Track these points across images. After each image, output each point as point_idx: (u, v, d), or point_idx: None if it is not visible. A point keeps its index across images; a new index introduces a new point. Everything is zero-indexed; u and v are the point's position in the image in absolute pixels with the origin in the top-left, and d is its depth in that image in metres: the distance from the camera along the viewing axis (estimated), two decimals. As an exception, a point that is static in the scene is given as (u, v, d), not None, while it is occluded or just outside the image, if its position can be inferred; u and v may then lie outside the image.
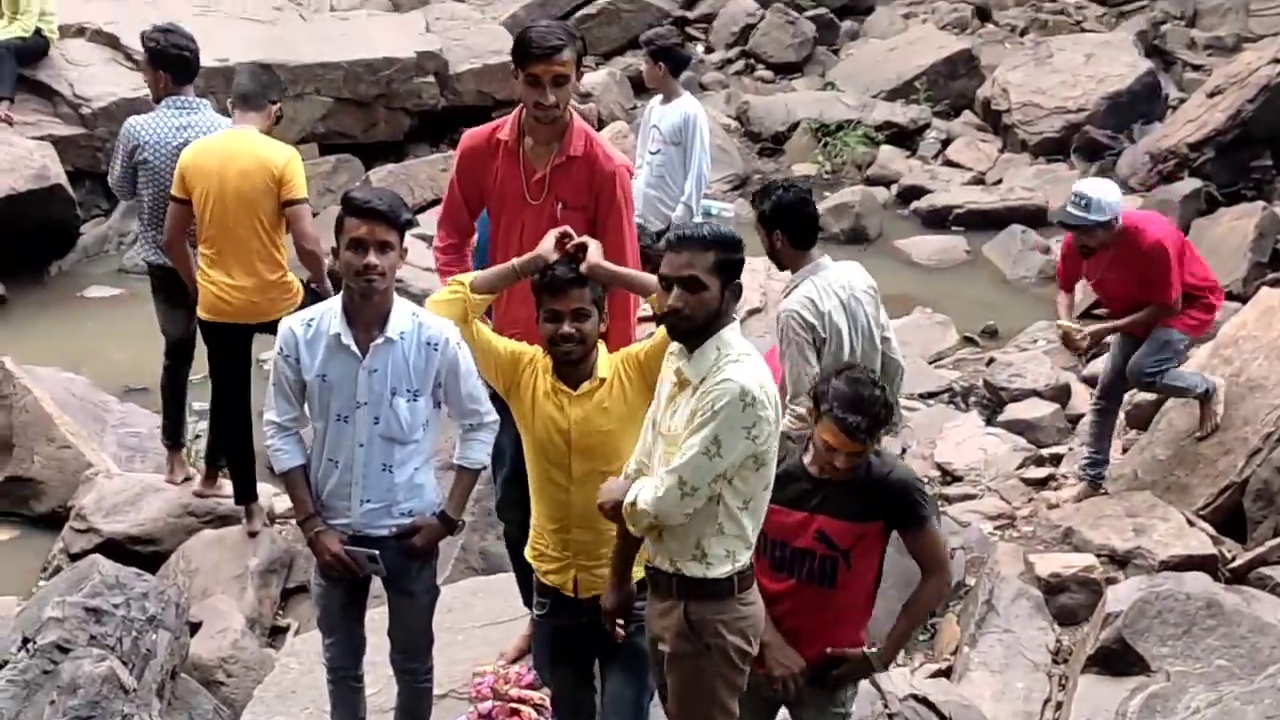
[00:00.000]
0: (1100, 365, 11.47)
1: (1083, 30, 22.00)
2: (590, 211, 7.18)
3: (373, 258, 6.38)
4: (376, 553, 6.70)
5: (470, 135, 7.53)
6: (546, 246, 6.48)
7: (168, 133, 9.78)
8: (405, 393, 6.59)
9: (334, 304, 6.64)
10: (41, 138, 15.61)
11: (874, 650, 6.62)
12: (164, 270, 9.91)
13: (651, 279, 6.41)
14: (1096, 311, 14.19)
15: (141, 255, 10.61)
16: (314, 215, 9.95)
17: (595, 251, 6.45)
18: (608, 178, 7.31)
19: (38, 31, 16.21)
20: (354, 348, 6.54)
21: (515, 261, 6.59)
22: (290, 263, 9.52)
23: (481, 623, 8.30)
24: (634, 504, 5.91)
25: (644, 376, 6.42)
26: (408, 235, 6.57)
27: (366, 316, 6.54)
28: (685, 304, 5.85)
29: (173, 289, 9.87)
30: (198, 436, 10.69)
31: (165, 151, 9.73)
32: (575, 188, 6.97)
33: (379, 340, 6.53)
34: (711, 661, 6.09)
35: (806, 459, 6.41)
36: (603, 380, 6.42)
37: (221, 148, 9.26)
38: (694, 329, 5.89)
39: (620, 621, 6.42)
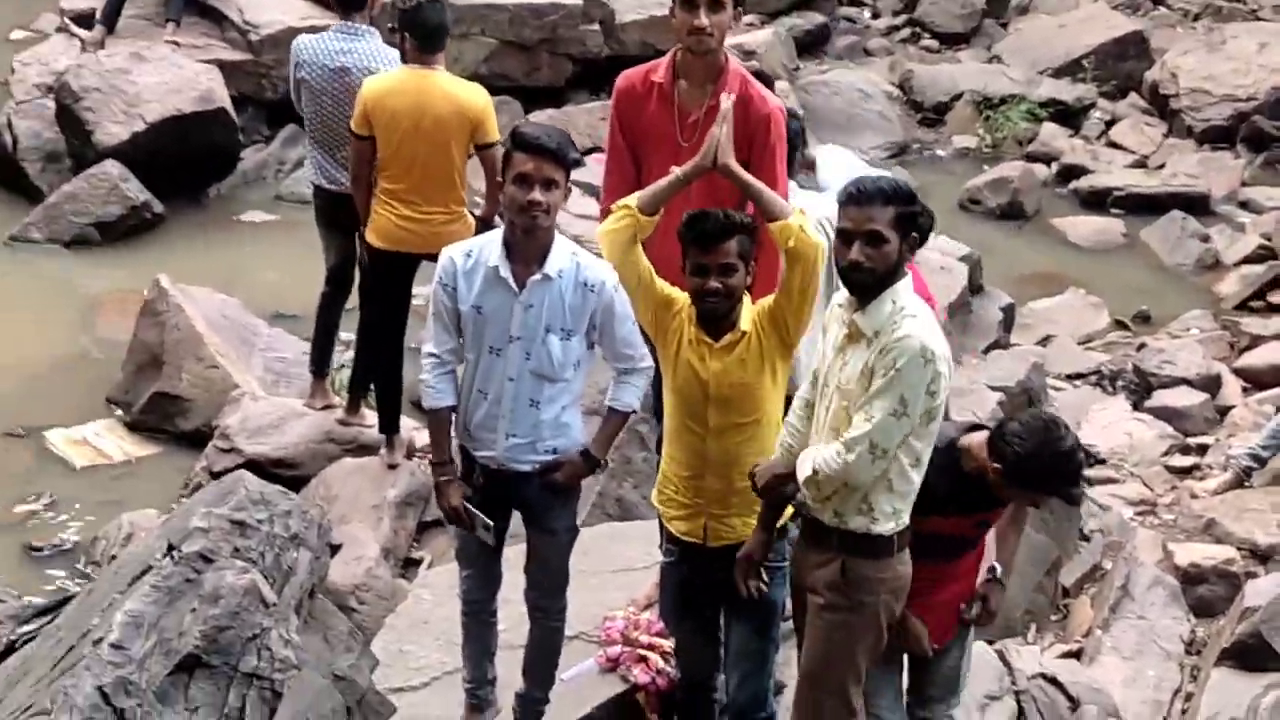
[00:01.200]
0: None
1: (1258, 19, 21.60)
2: (744, 153, 7.04)
3: (538, 194, 6.40)
4: (491, 524, 6.76)
5: (625, 76, 7.53)
6: (709, 153, 6.47)
7: (326, 55, 9.95)
8: (559, 331, 6.61)
9: (496, 236, 6.68)
10: (208, 61, 15.70)
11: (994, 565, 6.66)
12: (327, 194, 10.00)
13: (783, 201, 6.51)
14: (1253, 304, 14.09)
15: (308, 176, 10.67)
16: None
17: (727, 148, 6.46)
18: (762, 120, 7.29)
19: (207, -47, 16.37)
20: (511, 282, 6.56)
21: (679, 170, 6.56)
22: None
23: (615, 567, 8.32)
24: (815, 473, 5.90)
25: (776, 328, 6.41)
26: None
27: (526, 252, 6.55)
28: (867, 258, 5.87)
29: (337, 214, 9.96)
30: (343, 366, 10.74)
31: (322, 73, 9.92)
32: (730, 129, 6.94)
33: (536, 276, 6.55)
34: (861, 619, 6.11)
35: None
36: (744, 333, 6.42)
37: (414, 89, 9.27)
38: (874, 282, 5.92)
39: (758, 578, 6.42)
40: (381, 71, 9.70)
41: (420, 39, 9.37)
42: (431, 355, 6.76)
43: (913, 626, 6.47)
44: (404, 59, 9.49)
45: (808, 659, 6.27)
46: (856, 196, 5.93)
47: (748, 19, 19.39)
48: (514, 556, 7.13)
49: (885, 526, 6.03)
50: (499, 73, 17.54)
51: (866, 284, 5.92)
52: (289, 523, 6.21)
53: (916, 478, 6.02)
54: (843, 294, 6.09)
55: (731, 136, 6.51)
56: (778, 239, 6.31)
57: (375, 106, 9.25)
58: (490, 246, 6.65)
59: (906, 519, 6.08)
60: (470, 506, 6.76)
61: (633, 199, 6.55)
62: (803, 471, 5.98)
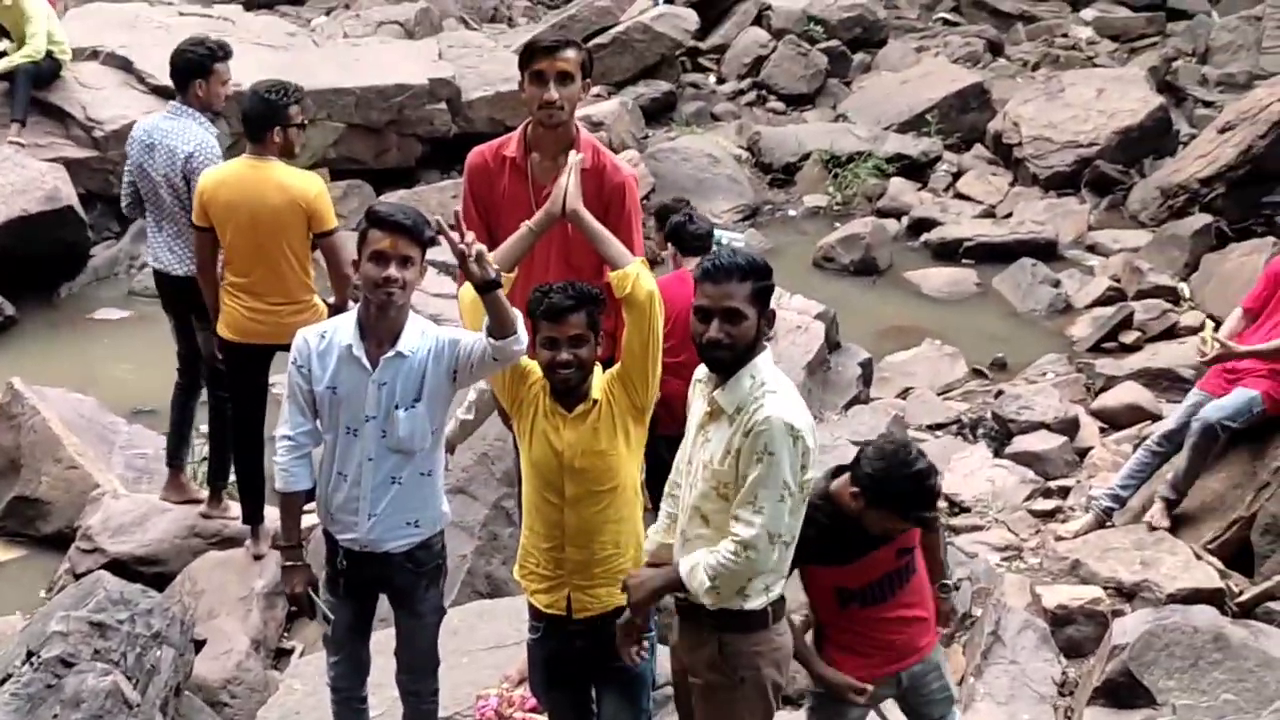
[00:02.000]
0: (1166, 409, 11.53)
1: (1095, 65, 22.04)
2: (602, 221, 7.16)
3: (394, 270, 6.41)
4: (332, 616, 6.76)
5: (477, 152, 7.58)
6: (557, 201, 6.60)
7: (142, 132, 10.10)
8: (412, 402, 6.59)
9: (349, 317, 6.67)
10: (54, 160, 15.67)
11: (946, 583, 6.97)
12: (156, 276, 10.01)
13: (626, 251, 6.56)
14: (1105, 345, 14.28)
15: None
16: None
17: (575, 195, 6.57)
18: (617, 188, 7.40)
19: (49, 55, 16.31)
20: (364, 360, 6.56)
21: (530, 222, 6.63)
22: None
23: (486, 645, 8.27)
24: (714, 580, 5.90)
25: (626, 390, 6.47)
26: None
27: (380, 330, 6.56)
28: (725, 335, 5.88)
29: (167, 297, 9.99)
30: (203, 460, 10.66)
31: (137, 150, 10.04)
32: (585, 199, 6.97)
33: (389, 354, 6.54)
34: (745, 693, 6.13)
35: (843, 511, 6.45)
36: (595, 402, 6.45)
37: (243, 181, 9.19)
38: (733, 359, 5.93)
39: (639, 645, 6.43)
40: (182, 151, 9.75)
41: (244, 128, 9.37)
42: (286, 438, 6.71)
43: (833, 679, 6.54)
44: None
45: None
46: (713, 273, 5.91)
47: (595, 90, 19.53)
48: (384, 640, 7.09)
49: (757, 603, 6.03)
50: (348, 156, 17.60)
51: (724, 361, 5.93)
52: (150, 621, 6.18)
53: (787, 553, 6.03)
54: (702, 370, 6.11)
55: (579, 185, 6.62)
56: (616, 287, 6.37)
57: (210, 199, 9.22)
58: (343, 327, 6.64)
59: (779, 590, 6.10)
60: (313, 594, 6.73)
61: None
62: (697, 583, 5.94)
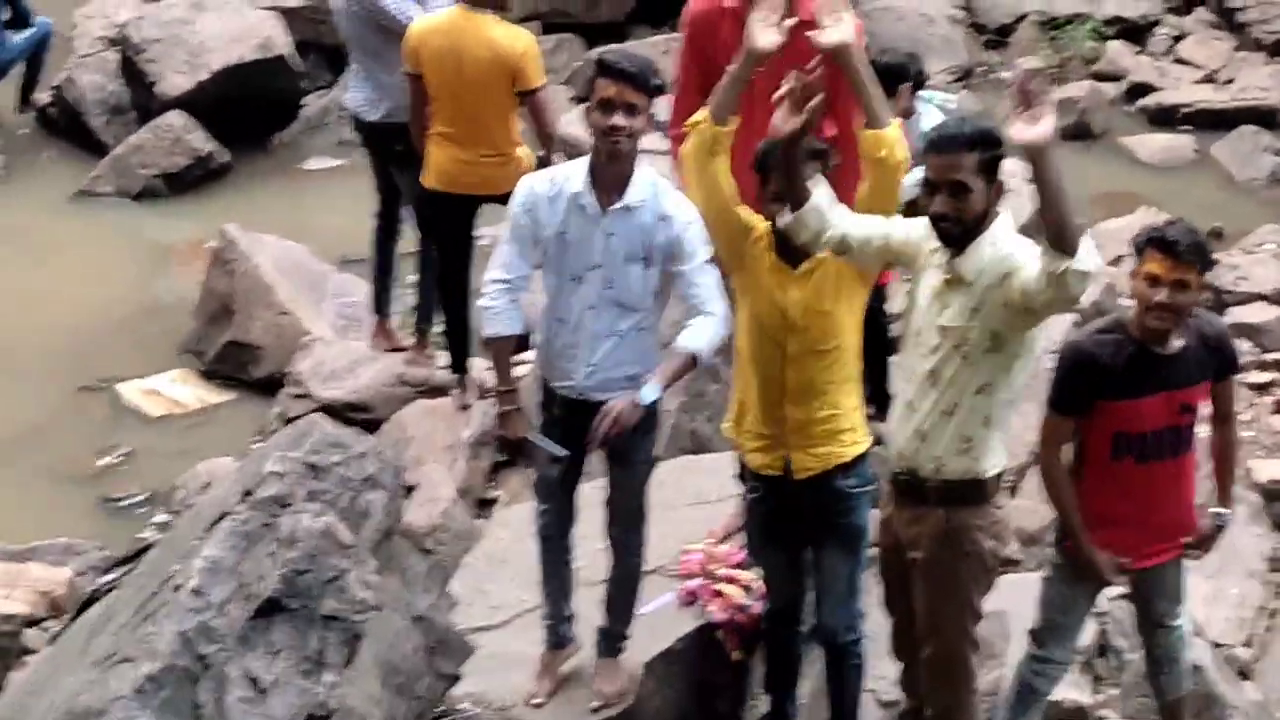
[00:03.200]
0: None
1: (1324, -74, 21.34)
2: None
3: (619, 119, 6.37)
4: (566, 454, 6.70)
5: (695, 2, 7.45)
6: (754, 33, 6.30)
7: None
8: (639, 260, 6.58)
9: (580, 164, 6.64)
10: (269, 9, 15.74)
11: (1222, 512, 6.78)
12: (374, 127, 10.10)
13: (886, 108, 6.26)
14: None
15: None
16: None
17: (842, 29, 6.18)
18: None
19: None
20: (594, 209, 6.54)
21: (732, 67, 6.40)
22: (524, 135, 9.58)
23: (691, 501, 8.31)
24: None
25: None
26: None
27: (609, 179, 6.53)
28: (952, 209, 5.79)
29: (384, 151, 10.12)
30: (413, 309, 10.69)
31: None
32: (810, 53, 6.87)
33: (618, 205, 6.52)
34: (969, 567, 6.14)
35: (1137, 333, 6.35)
36: (821, 260, 6.35)
37: (453, 32, 9.20)
38: (961, 232, 5.83)
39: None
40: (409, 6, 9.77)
41: None
42: (498, 281, 6.68)
43: (1096, 559, 6.50)
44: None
45: (927, 615, 6.28)
46: (938, 144, 5.83)
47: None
48: (589, 493, 7.11)
49: (988, 464, 6.05)
50: (559, 9, 17.55)
51: (953, 234, 5.85)
52: (363, 465, 6.22)
53: (1012, 416, 6.05)
54: (934, 240, 6.02)
55: (843, 10, 6.24)
56: (869, 147, 6.19)
57: (419, 46, 9.26)
58: (573, 174, 6.62)
59: (1005, 458, 6.09)
60: (536, 437, 6.72)
61: (701, 113, 6.44)
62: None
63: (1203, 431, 6.68)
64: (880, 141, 6.19)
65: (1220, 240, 13.98)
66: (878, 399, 7.89)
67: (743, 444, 6.74)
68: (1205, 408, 6.57)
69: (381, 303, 10.70)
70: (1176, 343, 6.35)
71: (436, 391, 10.21)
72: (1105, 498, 6.50)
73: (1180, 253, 6.17)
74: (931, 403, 6.03)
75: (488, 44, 9.13)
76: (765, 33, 6.29)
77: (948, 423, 6.01)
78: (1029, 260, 5.65)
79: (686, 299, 6.72)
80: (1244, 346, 11.61)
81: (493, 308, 6.72)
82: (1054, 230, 5.45)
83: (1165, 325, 6.26)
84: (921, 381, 6.05)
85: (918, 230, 6.11)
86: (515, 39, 9.24)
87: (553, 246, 6.62)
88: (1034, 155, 5.42)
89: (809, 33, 6.22)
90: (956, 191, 5.77)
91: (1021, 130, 5.36)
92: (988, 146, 5.80)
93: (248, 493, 5.90)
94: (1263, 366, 11.30)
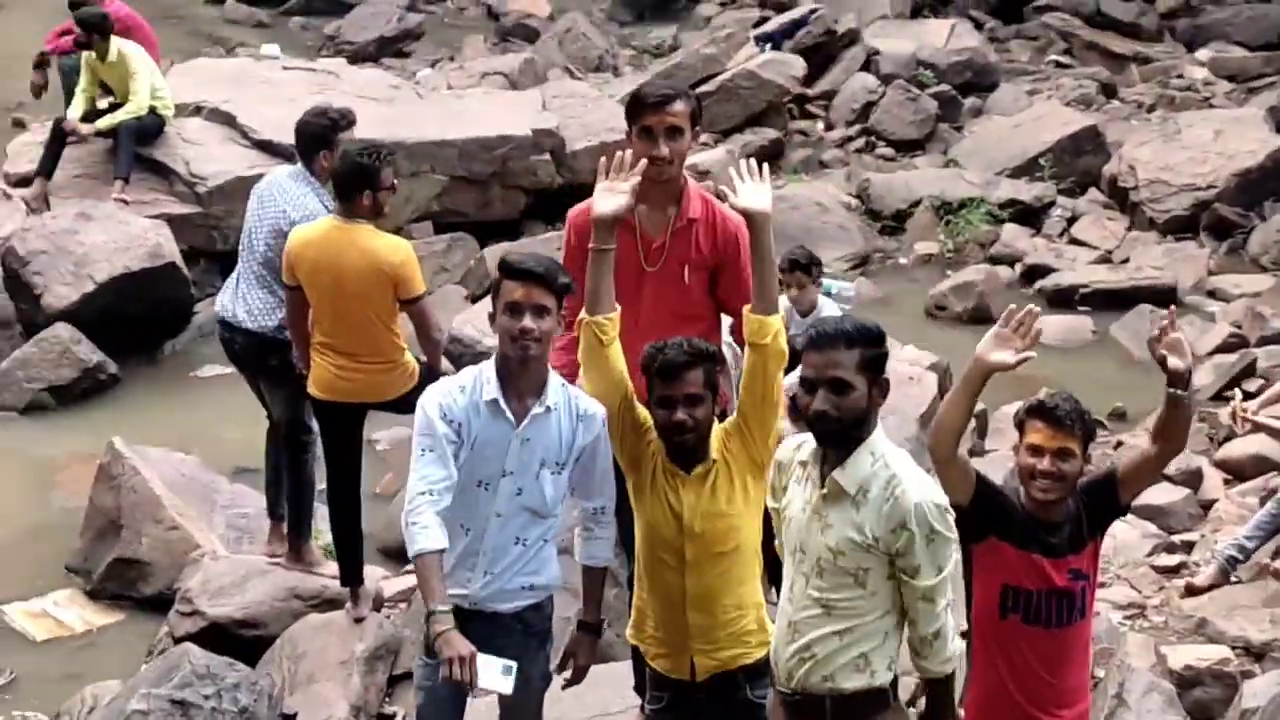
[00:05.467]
0: None
1: (1211, 106, 21.65)
2: (713, 271, 7.21)
3: (529, 321, 6.27)
4: (514, 665, 6.42)
5: (580, 210, 7.39)
6: (597, 201, 6.47)
7: (261, 182, 10.18)
8: (553, 465, 6.45)
9: (486, 370, 6.49)
10: (157, 216, 15.65)
11: None
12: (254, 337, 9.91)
13: (776, 295, 6.40)
14: (1227, 394, 13.89)
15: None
16: (429, 294, 9.79)
17: (768, 198, 6.34)
18: (732, 238, 7.26)
19: (152, 110, 16.27)
20: (509, 414, 6.39)
21: (591, 243, 6.44)
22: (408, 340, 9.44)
23: (593, 714, 8.08)
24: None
25: (744, 445, 6.28)
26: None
27: (522, 383, 6.42)
28: (832, 407, 5.62)
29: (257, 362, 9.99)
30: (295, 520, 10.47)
31: (252, 196, 10.10)
32: (700, 249, 6.80)
33: (537, 410, 6.39)
34: None
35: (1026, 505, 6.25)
36: (714, 461, 6.25)
37: (329, 244, 9.06)
38: (842, 431, 5.68)
39: None
40: (291, 215, 9.65)
41: (334, 189, 9.24)
42: (422, 494, 6.41)
43: None
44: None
45: None
46: (818, 340, 5.71)
47: (701, 138, 19.27)
48: (484, 709, 6.87)
49: (885, 677, 5.85)
50: (452, 209, 17.52)
51: (835, 435, 5.70)
52: (237, 696, 6.02)
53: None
54: (794, 449, 5.87)
55: (764, 185, 6.42)
56: (754, 332, 6.21)
57: (297, 259, 9.13)
58: (482, 380, 6.47)
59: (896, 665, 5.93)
60: (484, 655, 6.37)
61: (582, 310, 6.42)
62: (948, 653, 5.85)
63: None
64: (765, 327, 6.21)
65: (1123, 421, 13.96)
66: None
67: (646, 649, 6.58)
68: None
69: (276, 505, 10.51)
70: (1064, 515, 6.24)
71: (330, 605, 9.97)
72: (990, 659, 6.32)
73: (1061, 419, 6.12)
74: (823, 632, 5.83)
75: (366, 255, 8.99)
76: (608, 200, 6.39)
77: (843, 644, 5.81)
78: (922, 557, 5.65)
79: (589, 498, 6.64)
80: (1150, 528, 11.53)
81: (418, 523, 6.43)
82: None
83: (1050, 496, 6.16)
84: (807, 603, 5.84)
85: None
86: (394, 249, 9.11)
87: (464, 454, 6.45)
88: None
89: (738, 204, 6.39)
90: (838, 389, 5.63)
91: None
92: (869, 344, 5.69)
93: (113, 733, 5.64)
94: (1170, 549, 11.18)
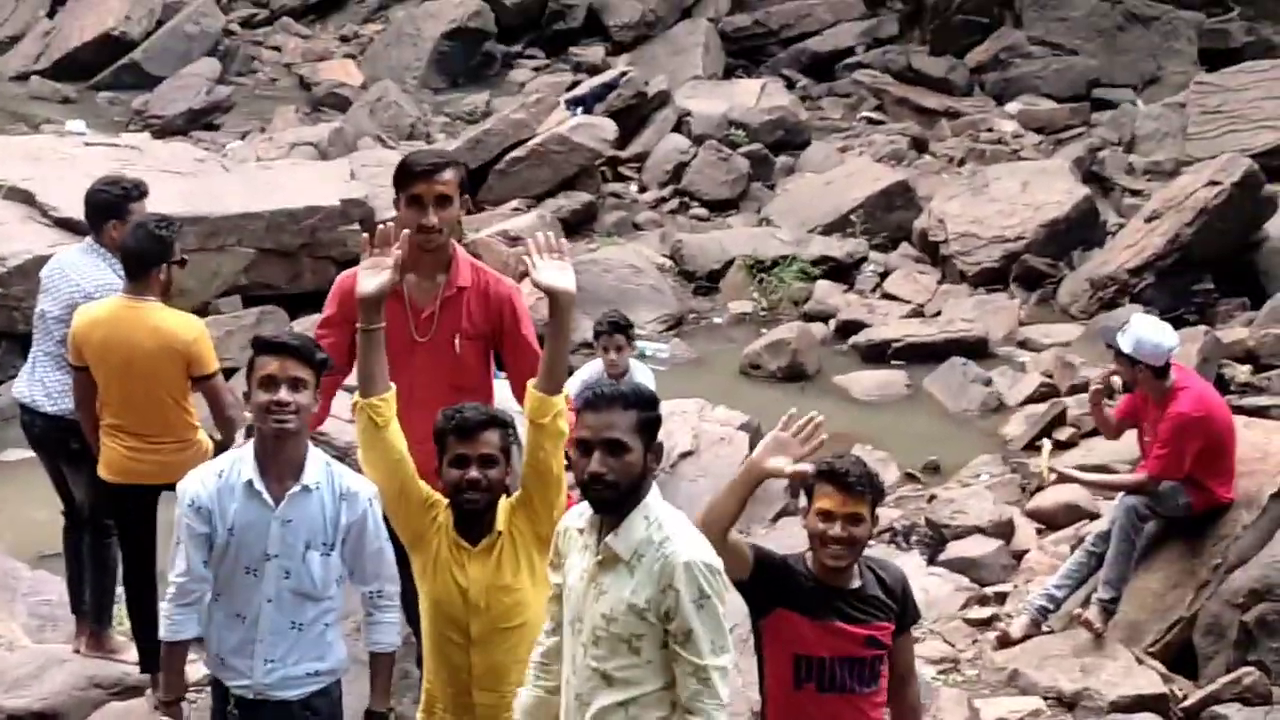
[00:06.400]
0: (1104, 507, 11.39)
1: (1020, 158, 21.95)
2: (490, 339, 7.11)
3: (284, 394, 6.13)
4: None
5: (348, 275, 7.28)
6: (361, 281, 6.39)
7: (51, 261, 9.85)
8: (320, 546, 6.29)
9: (244, 452, 6.37)
10: (-45, 298, 15.31)
11: None
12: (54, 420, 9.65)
13: (564, 376, 6.39)
14: (1038, 444, 13.98)
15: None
16: (221, 372, 9.57)
17: (570, 277, 6.26)
18: (505, 300, 7.22)
19: (-53, 190, 15.96)
20: (266, 496, 6.23)
21: (359, 324, 6.36)
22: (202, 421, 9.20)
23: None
24: None
25: (530, 520, 6.22)
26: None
27: (280, 463, 6.26)
28: (608, 469, 5.53)
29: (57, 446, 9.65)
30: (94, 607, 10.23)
31: (44, 276, 9.75)
32: (471, 318, 6.72)
33: (295, 489, 6.24)
34: None
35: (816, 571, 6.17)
36: (499, 534, 6.19)
37: (117, 323, 8.79)
38: (618, 496, 5.58)
39: None
40: (84, 289, 9.32)
41: (124, 265, 9.01)
42: (177, 583, 6.38)
43: None
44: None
45: None
46: (593, 402, 5.64)
47: (513, 204, 19.31)
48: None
49: None
50: (261, 281, 17.30)
51: (610, 499, 5.60)
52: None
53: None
54: (572, 518, 5.79)
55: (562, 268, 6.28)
56: (534, 410, 6.17)
57: (84, 340, 8.85)
58: (240, 462, 6.35)
59: None
60: None
61: (356, 394, 6.33)
62: None
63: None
64: (546, 406, 6.17)
65: (937, 474, 14.02)
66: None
67: (433, 730, 6.44)
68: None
69: (80, 601, 10.21)
70: (855, 582, 6.18)
71: (131, 692, 9.72)
72: None
73: (851, 484, 6.05)
74: (606, 703, 5.67)
75: (158, 333, 8.77)
76: (371, 279, 6.32)
77: (630, 716, 5.65)
78: (693, 621, 5.51)
79: (364, 581, 6.49)
80: (963, 581, 11.55)
81: (168, 611, 6.43)
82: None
83: (841, 562, 6.10)
84: (589, 675, 5.69)
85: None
86: (186, 327, 8.90)
87: (223, 543, 6.30)
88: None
89: (540, 282, 6.23)
90: (614, 449, 5.55)
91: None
92: (645, 407, 5.64)
93: None
94: (983, 601, 11.22)
